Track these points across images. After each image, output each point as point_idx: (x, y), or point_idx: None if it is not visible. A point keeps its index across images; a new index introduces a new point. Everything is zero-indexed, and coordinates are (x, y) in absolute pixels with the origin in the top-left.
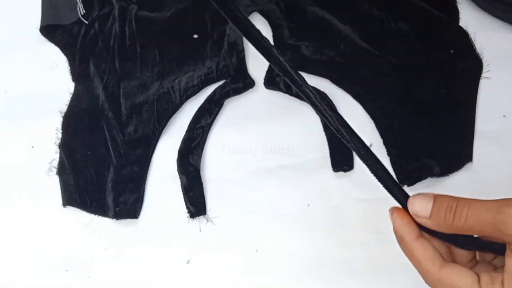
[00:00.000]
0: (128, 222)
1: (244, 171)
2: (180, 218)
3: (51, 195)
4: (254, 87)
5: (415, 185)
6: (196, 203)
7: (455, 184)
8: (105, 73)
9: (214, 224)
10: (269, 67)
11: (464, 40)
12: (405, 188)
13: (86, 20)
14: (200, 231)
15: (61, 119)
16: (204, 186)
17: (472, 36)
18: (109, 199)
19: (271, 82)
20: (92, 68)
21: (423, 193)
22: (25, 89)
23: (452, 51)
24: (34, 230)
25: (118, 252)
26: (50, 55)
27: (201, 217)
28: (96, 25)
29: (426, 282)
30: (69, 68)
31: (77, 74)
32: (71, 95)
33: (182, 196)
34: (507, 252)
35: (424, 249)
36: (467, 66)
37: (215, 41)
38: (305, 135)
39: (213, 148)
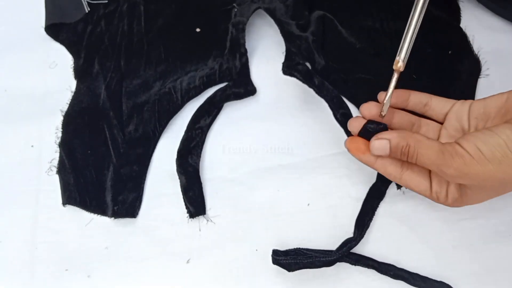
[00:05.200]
0: (128, 221)
1: (243, 170)
2: (180, 218)
3: (51, 194)
4: None
5: None
6: (195, 203)
7: None
8: (109, 71)
9: (214, 224)
10: (287, 53)
11: (462, 42)
12: (400, 191)
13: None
14: (200, 230)
15: (61, 118)
16: (203, 186)
17: (471, 37)
18: (108, 198)
19: (291, 69)
20: (96, 66)
21: (379, 137)
22: (25, 89)
23: (450, 52)
24: (34, 229)
25: (118, 252)
26: (50, 55)
27: (201, 217)
28: (103, 23)
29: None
30: (73, 66)
31: (80, 72)
32: (72, 94)
33: (182, 195)
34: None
35: (384, 168)
36: (464, 67)
37: (218, 39)
38: (305, 135)
39: (213, 148)
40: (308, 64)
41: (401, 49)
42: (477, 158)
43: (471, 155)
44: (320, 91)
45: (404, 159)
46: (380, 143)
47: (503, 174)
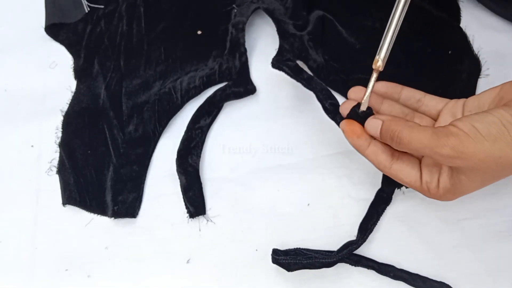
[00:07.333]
0: (128, 221)
1: (243, 170)
2: (180, 218)
3: (51, 194)
4: None
5: None
6: (195, 203)
7: None
8: (109, 71)
9: (214, 224)
10: (279, 49)
11: (462, 42)
12: (400, 191)
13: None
14: (200, 230)
15: (61, 118)
16: (203, 186)
17: (471, 37)
18: (108, 198)
19: (280, 63)
20: (96, 66)
21: (376, 117)
22: (25, 89)
23: (450, 52)
24: (34, 229)
25: (118, 252)
26: (50, 54)
27: (201, 217)
28: (102, 23)
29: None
30: (73, 66)
31: (80, 72)
32: (72, 94)
33: (182, 195)
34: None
35: (375, 155)
36: (464, 67)
37: (219, 39)
38: (305, 135)
39: (213, 148)
40: (300, 62)
41: (381, 48)
42: (473, 135)
43: (466, 133)
44: (308, 84)
45: (392, 144)
46: (375, 122)
47: (499, 151)
